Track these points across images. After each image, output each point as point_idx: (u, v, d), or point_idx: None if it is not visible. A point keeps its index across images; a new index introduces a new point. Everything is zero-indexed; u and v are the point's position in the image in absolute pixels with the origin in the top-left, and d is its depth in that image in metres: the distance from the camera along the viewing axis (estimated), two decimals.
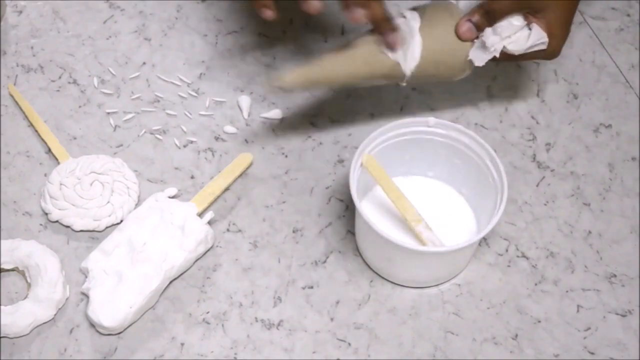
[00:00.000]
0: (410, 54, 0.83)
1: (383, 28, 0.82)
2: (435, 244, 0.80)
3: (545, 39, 0.83)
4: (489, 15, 0.82)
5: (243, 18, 1.01)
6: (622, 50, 1.00)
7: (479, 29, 0.83)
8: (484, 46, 0.83)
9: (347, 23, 0.99)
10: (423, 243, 0.80)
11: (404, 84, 0.85)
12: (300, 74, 0.83)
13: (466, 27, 0.83)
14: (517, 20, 0.82)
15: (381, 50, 0.83)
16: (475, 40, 0.83)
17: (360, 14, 0.80)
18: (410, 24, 0.83)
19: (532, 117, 0.94)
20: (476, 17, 0.82)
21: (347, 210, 0.87)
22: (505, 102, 0.95)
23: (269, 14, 0.83)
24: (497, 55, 0.83)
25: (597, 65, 0.98)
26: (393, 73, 0.84)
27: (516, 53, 0.83)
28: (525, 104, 0.95)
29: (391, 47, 0.82)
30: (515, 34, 0.83)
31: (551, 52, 0.85)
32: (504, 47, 0.82)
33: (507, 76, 0.97)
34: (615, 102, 0.96)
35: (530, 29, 0.82)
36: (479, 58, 0.83)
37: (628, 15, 1.03)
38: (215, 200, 0.86)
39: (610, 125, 0.94)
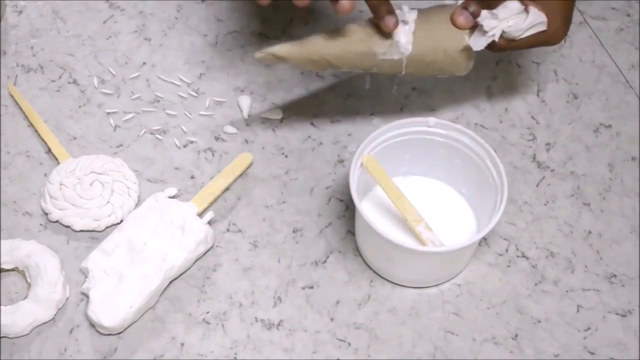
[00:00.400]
0: (405, 37, 0.82)
1: (380, 11, 0.81)
2: (435, 244, 0.80)
3: (544, 19, 0.82)
4: (484, 3, 0.82)
5: (243, 18, 1.01)
6: (622, 50, 1.00)
7: (475, 17, 0.82)
8: (482, 31, 0.82)
9: (349, 21, 0.99)
10: (423, 243, 0.80)
11: (403, 73, 0.84)
12: (292, 48, 0.82)
13: (463, 16, 0.82)
14: (513, 4, 0.82)
15: (376, 32, 0.82)
16: (475, 30, 0.83)
17: (347, 5, 0.79)
18: (406, 14, 0.83)
19: (532, 117, 0.94)
20: (472, 7, 0.82)
21: (347, 210, 0.87)
22: (505, 102, 0.95)
23: (264, 0, 0.81)
24: (497, 40, 0.82)
25: (597, 65, 0.98)
26: (388, 55, 0.82)
27: (515, 35, 0.82)
28: (525, 104, 0.95)
29: (388, 28, 0.81)
30: (513, 18, 0.82)
31: (552, 36, 0.84)
32: (503, 31, 0.82)
33: (507, 76, 0.97)
34: (615, 102, 0.96)
35: (527, 11, 0.82)
36: (478, 43, 0.82)
37: (628, 15, 1.03)
38: (215, 200, 0.86)
39: (610, 125, 0.94)
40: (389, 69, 0.84)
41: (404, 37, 0.82)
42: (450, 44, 0.83)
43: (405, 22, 0.82)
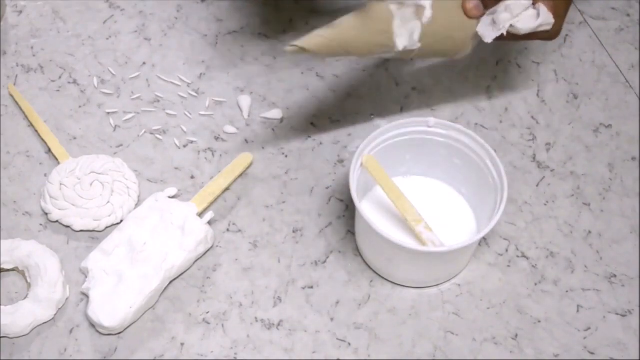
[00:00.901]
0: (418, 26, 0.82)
1: None
2: (435, 244, 0.80)
3: (552, 20, 0.82)
4: None
5: (243, 18, 1.01)
6: (622, 50, 1.00)
7: (486, 6, 0.82)
8: (493, 23, 0.82)
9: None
10: (423, 243, 0.80)
11: (410, 59, 0.86)
12: (320, 39, 0.82)
13: (473, 4, 0.82)
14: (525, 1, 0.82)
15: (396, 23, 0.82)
16: (482, 17, 0.83)
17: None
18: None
19: (532, 117, 0.94)
20: None
21: (347, 210, 0.87)
22: (505, 102, 0.95)
23: None
24: (505, 33, 0.82)
25: (597, 65, 0.98)
26: (407, 48, 0.83)
27: (522, 32, 0.82)
28: (525, 104, 0.95)
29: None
30: (523, 13, 0.82)
31: (554, 33, 0.84)
32: (511, 25, 0.82)
33: (507, 76, 0.97)
34: (615, 102, 0.96)
35: (535, 8, 0.82)
36: (488, 35, 0.83)
37: (628, 15, 1.03)
38: (215, 200, 0.86)
39: (610, 125, 0.94)
40: (400, 55, 0.84)
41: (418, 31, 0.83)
42: (460, 34, 0.83)
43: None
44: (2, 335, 0.78)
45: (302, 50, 0.83)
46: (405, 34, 0.82)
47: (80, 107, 0.93)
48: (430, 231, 0.81)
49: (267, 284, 0.82)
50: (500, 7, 0.82)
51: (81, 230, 0.85)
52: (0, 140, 0.90)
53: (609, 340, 0.81)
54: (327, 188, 0.89)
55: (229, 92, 0.95)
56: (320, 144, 0.92)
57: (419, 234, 0.81)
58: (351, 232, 0.86)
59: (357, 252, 0.85)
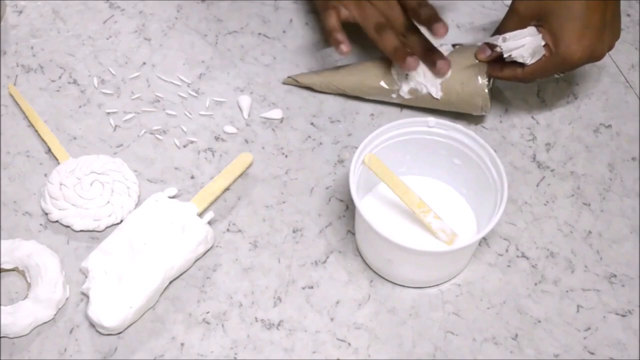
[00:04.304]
0: (407, 87, 0.91)
1: (432, 57, 0.88)
2: (446, 232, 0.80)
3: (541, 42, 0.85)
4: None
5: (243, 18, 1.01)
6: (622, 50, 1.00)
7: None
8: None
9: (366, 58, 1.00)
10: (434, 233, 0.81)
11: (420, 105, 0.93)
12: (314, 78, 0.94)
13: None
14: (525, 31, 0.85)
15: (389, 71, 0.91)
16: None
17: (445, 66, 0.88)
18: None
19: (532, 117, 0.94)
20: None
21: (347, 210, 0.87)
22: (505, 102, 0.95)
23: (344, 49, 0.88)
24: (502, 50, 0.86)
25: (597, 65, 0.98)
26: (400, 93, 0.91)
27: (520, 58, 0.85)
28: (525, 104, 0.95)
29: (442, 73, 0.88)
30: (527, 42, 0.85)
31: (564, 57, 0.84)
32: (511, 55, 0.86)
33: None
34: (615, 102, 0.96)
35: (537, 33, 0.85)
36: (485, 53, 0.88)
37: (628, 15, 1.03)
38: (215, 200, 0.86)
39: (610, 125, 0.94)
40: (406, 102, 0.92)
41: (407, 86, 0.90)
42: (463, 88, 0.88)
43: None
44: (2, 335, 0.78)
45: (297, 83, 0.94)
46: (395, 82, 0.91)
47: (80, 107, 0.93)
48: (440, 220, 0.81)
49: (267, 284, 0.82)
50: (499, 39, 0.86)
51: (81, 230, 0.85)
52: (0, 140, 0.90)
53: (609, 340, 0.81)
54: (327, 188, 0.89)
55: (229, 92, 0.95)
56: (320, 144, 0.92)
57: (429, 224, 0.81)
58: (351, 232, 0.86)
59: (357, 252, 0.85)
